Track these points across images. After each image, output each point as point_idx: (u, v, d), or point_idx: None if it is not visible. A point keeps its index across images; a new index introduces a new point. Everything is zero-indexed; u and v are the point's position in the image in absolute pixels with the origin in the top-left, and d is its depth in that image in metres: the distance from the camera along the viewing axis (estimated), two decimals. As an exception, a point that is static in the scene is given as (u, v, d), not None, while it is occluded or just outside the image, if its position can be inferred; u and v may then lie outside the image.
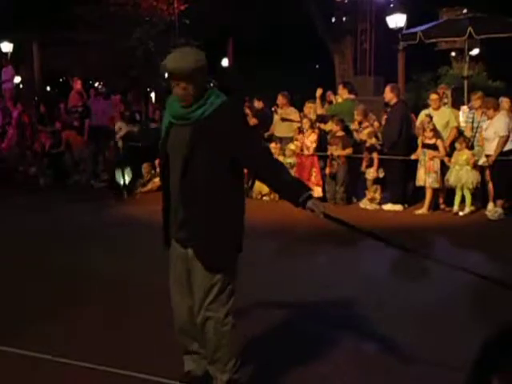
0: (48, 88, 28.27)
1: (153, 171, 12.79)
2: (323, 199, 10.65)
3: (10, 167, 14.35)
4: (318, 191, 10.73)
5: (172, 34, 18.24)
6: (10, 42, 21.41)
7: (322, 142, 11.44)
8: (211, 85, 11.35)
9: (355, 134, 11.43)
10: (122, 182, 12.41)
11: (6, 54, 20.77)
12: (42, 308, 5.66)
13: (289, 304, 5.67)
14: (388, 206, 10.67)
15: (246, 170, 3.97)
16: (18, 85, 22.27)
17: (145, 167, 12.97)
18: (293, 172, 10.54)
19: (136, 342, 4.79)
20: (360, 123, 11.35)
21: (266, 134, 12.69)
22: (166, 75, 4.17)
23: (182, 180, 3.56)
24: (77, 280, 6.49)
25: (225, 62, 28.12)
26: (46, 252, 7.66)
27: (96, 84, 24.91)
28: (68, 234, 8.71)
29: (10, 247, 7.88)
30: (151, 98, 20.91)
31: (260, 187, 11.46)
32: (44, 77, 24.26)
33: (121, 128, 13.29)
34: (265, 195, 11.57)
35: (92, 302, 5.83)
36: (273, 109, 13.15)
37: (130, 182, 12.61)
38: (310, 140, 11.43)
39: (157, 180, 12.67)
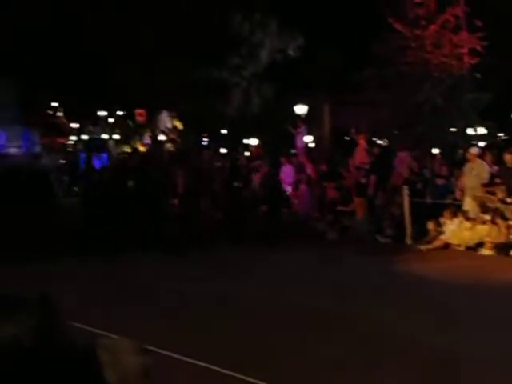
0: (335, 146, 29.68)
1: (438, 228, 12.47)
2: None
3: (301, 221, 15.15)
4: None
5: (460, 89, 17.90)
6: (305, 104, 23.08)
7: None
8: None
9: None
10: (406, 239, 12.33)
11: (300, 115, 22.40)
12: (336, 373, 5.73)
13: None
14: None
15: None
16: (308, 143, 23.81)
17: (431, 224, 12.71)
18: None
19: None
20: None
21: None
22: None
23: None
24: (371, 342, 6.41)
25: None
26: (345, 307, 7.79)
27: (379, 141, 25.45)
28: (360, 290, 8.82)
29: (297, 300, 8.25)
30: (437, 153, 20.61)
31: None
32: (333, 135, 25.60)
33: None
34: None
35: (386, 367, 5.66)
36: None
37: (415, 239, 12.47)
38: None
39: (443, 237, 12.35)
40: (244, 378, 5.26)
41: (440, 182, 13.74)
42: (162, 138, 45.38)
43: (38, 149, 41.20)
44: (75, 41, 34.02)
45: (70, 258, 11.03)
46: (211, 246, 12.09)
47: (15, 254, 10.26)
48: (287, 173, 16.14)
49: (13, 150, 38.04)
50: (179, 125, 44.16)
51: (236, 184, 14.63)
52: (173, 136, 48.06)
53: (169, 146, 48.55)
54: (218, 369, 5.44)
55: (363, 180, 14.61)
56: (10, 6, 28.93)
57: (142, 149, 53.68)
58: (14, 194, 12.43)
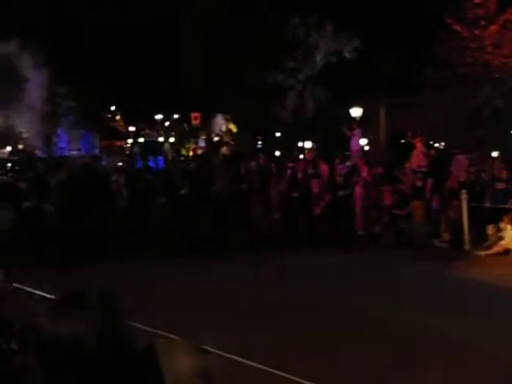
0: (391, 149, 29.33)
1: (498, 234, 12.15)
2: None
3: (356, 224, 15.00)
4: None
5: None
6: (360, 106, 22.89)
7: None
8: None
9: None
10: (464, 244, 12.07)
11: (355, 118, 22.24)
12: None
13: None
14: None
15: None
16: (363, 146, 23.59)
17: (490, 229, 12.39)
18: None
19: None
20: None
21: None
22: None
23: None
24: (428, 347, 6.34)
25: None
26: (392, 310, 7.75)
27: (436, 144, 25.00)
28: (417, 295, 8.71)
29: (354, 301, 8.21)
30: (497, 156, 20.07)
31: None
32: (388, 138, 25.29)
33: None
34: None
35: (445, 374, 5.60)
36: None
37: (473, 244, 12.18)
38: None
39: (503, 243, 12.01)
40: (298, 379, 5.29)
41: (500, 186, 13.37)
42: (216, 140, 45.87)
43: (97, 151, 42.37)
44: (134, 46, 34.75)
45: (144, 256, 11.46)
46: (262, 250, 12.10)
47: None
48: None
49: (73, 153, 39.27)
50: (234, 128, 44.49)
51: (295, 194, 14.64)
52: (227, 139, 48.50)
53: (223, 149, 49.05)
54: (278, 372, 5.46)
55: (420, 183, 14.39)
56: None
57: (197, 151, 54.41)
58: (83, 196, 12.77)
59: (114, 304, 1.37)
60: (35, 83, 27.74)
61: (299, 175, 15.40)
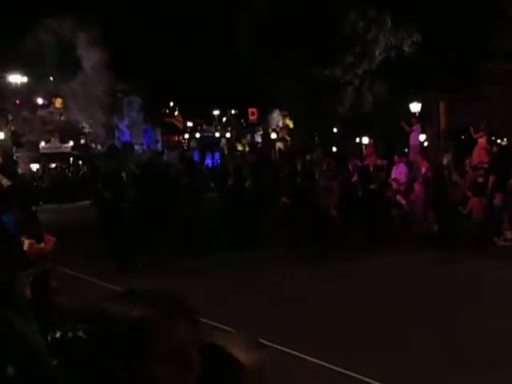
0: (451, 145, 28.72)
1: None
2: None
3: (412, 222, 14.74)
4: None
5: None
6: (419, 102, 22.51)
7: None
8: None
9: None
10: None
11: (414, 113, 21.87)
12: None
13: None
14: None
15: None
16: (422, 142, 23.19)
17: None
18: None
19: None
20: None
21: None
22: None
23: None
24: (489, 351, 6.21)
25: None
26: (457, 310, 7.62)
27: (498, 140, 24.33)
28: (477, 295, 8.52)
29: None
30: None
31: None
32: (448, 134, 24.77)
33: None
34: None
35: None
36: None
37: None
38: None
39: None
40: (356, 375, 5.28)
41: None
42: (273, 136, 45.93)
43: (159, 146, 42.93)
44: (193, 42, 35.11)
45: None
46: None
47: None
48: (400, 172, 15.76)
49: (136, 147, 39.81)
50: (290, 123, 44.41)
51: (372, 187, 14.39)
52: (284, 135, 48.45)
53: (279, 144, 49.09)
54: (332, 366, 5.47)
55: (481, 179, 14.05)
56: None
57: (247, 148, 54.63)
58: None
59: (177, 302, 1.38)
60: (95, 74, 28.29)
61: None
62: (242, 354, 1.54)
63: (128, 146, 16.10)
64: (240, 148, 51.98)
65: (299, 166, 15.36)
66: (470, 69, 21.05)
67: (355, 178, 14.77)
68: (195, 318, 1.33)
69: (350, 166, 15.67)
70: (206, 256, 11.83)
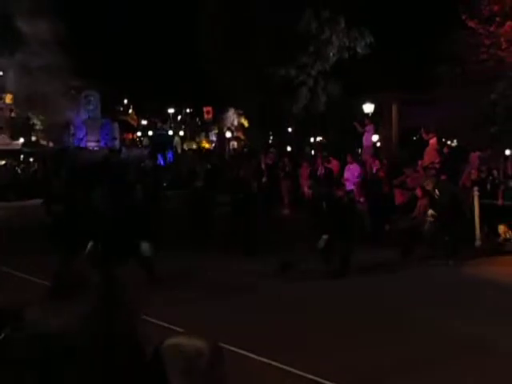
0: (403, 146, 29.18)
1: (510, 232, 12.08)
2: None
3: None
4: None
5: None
6: (372, 102, 22.75)
7: None
8: None
9: None
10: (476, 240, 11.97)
11: (367, 114, 22.10)
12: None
13: None
14: None
15: None
16: (375, 143, 23.45)
17: (501, 228, 12.32)
18: None
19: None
20: None
21: None
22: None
23: None
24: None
25: None
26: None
27: (448, 142, 24.83)
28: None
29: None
30: (510, 155, 19.93)
31: None
32: (400, 135, 25.15)
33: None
34: None
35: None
36: None
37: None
38: None
39: (515, 242, 11.93)
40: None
41: (512, 183, 13.31)
42: (228, 135, 45.84)
43: (117, 144, 41.89)
44: (148, 40, 34.72)
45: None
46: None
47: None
48: (353, 172, 15.94)
49: (91, 144, 38.70)
50: (245, 122, 44.38)
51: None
52: (239, 134, 48.42)
53: (234, 143, 48.96)
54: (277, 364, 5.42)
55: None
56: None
57: (206, 146, 54.35)
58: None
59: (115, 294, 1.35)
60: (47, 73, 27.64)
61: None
62: (194, 358, 1.52)
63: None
64: (193, 146, 51.76)
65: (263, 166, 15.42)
66: (421, 70, 21.38)
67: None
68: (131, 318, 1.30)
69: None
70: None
